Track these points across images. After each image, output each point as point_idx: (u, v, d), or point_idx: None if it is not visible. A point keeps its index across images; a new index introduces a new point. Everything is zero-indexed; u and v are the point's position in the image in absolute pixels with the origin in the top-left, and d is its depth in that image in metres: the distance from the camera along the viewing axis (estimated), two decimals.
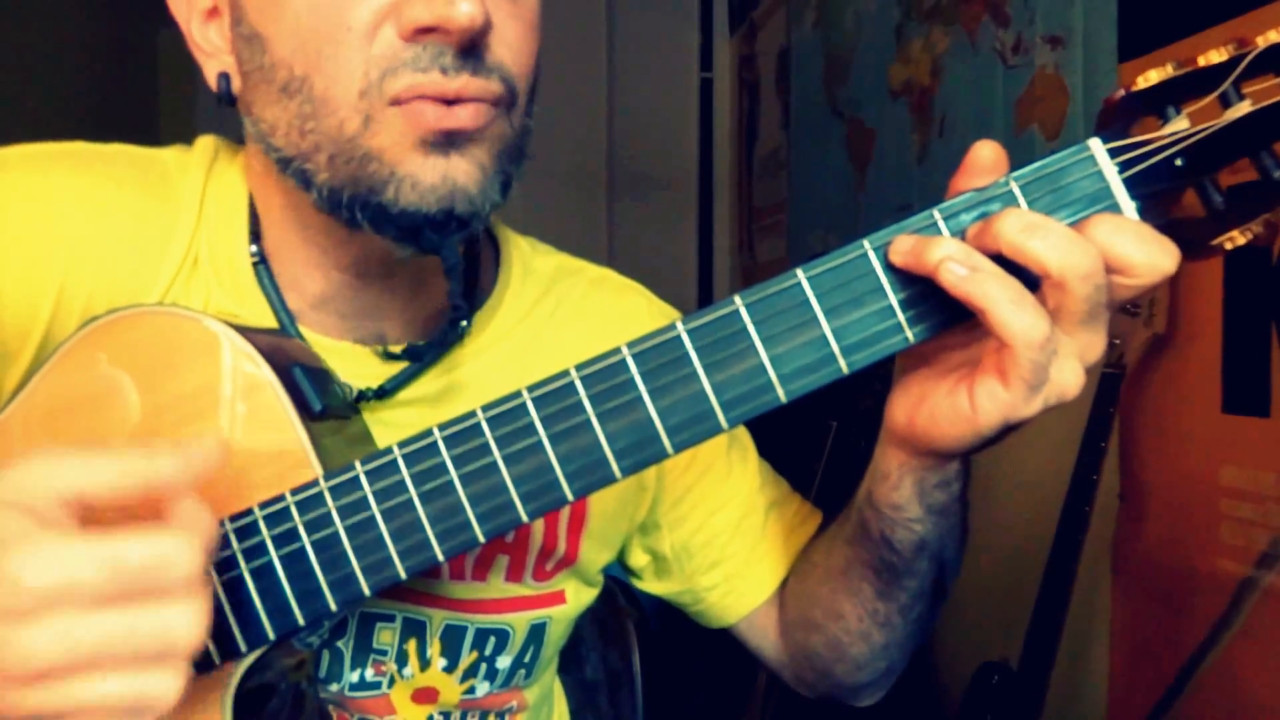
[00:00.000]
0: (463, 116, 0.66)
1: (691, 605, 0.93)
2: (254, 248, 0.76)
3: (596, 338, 0.84)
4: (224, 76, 0.73)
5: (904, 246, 0.57)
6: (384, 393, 0.76)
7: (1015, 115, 1.80)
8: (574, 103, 3.32)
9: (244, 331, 0.67)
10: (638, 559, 0.93)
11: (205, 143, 0.81)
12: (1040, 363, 0.56)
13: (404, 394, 0.78)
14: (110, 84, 2.91)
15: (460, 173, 0.66)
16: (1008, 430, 0.60)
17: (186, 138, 0.83)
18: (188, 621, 0.50)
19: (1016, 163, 0.59)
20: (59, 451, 0.52)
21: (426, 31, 0.64)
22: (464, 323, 0.80)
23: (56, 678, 0.49)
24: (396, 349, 0.77)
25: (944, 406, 0.62)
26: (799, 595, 0.87)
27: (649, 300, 0.93)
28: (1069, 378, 0.57)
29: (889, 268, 0.58)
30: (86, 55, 2.83)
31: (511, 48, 0.68)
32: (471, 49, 0.65)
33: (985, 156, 0.59)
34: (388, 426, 0.76)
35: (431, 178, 0.66)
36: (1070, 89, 1.65)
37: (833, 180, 2.63)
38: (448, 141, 0.66)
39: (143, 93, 3.10)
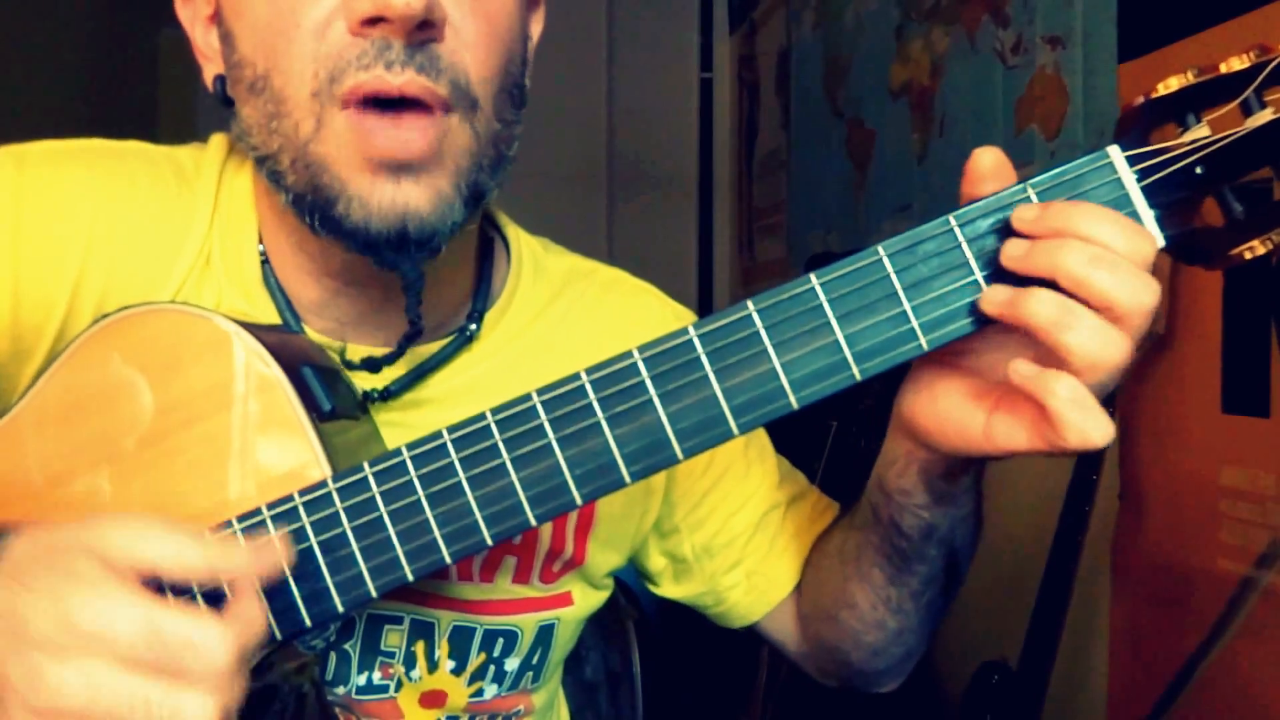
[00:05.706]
0: (412, 145, 0.64)
1: (713, 606, 0.93)
2: (261, 246, 0.77)
3: (609, 340, 0.84)
4: (219, 79, 0.74)
5: (999, 297, 0.57)
6: (389, 394, 0.76)
7: (1015, 115, 1.80)
8: (574, 103, 3.31)
9: (255, 330, 0.67)
10: (655, 563, 0.93)
11: (219, 141, 0.81)
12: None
13: (411, 395, 0.78)
14: (110, 84, 2.91)
15: (412, 197, 0.65)
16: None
17: (186, 138, 0.83)
18: (198, 712, 0.51)
19: (1016, 162, 0.59)
20: (148, 521, 0.56)
21: (372, 22, 0.63)
22: (473, 326, 0.80)
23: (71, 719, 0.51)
24: (355, 359, 0.76)
25: (957, 415, 0.62)
26: (814, 585, 0.88)
27: (663, 302, 0.93)
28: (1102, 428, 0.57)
29: (903, 274, 0.58)
30: (86, 55, 2.83)
31: (471, 47, 0.67)
32: (421, 43, 0.64)
33: (986, 164, 0.59)
34: (396, 427, 0.75)
35: (379, 200, 0.65)
36: (1070, 89, 1.65)
37: (833, 180, 2.63)
38: (398, 167, 0.65)
39: (143, 93, 3.10)
